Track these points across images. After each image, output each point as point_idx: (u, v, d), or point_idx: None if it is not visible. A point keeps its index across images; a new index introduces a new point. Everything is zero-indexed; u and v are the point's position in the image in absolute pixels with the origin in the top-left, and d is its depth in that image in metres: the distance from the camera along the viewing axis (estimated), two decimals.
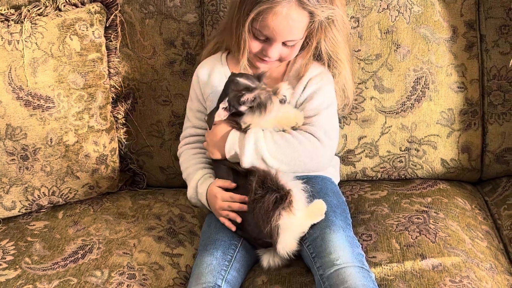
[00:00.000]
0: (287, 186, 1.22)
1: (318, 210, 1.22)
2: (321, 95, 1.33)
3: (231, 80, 1.27)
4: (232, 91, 1.25)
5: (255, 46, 1.30)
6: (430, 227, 1.30)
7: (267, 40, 1.29)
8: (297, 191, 1.23)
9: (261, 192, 1.20)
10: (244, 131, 1.27)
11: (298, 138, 1.27)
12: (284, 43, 1.29)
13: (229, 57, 1.42)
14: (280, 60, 1.34)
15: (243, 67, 1.35)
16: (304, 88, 1.33)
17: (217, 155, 1.29)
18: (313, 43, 1.33)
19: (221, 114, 1.26)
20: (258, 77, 1.28)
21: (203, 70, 1.42)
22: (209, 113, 1.29)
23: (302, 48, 1.36)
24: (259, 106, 1.24)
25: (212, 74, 1.40)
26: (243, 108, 1.26)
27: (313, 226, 1.22)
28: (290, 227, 1.20)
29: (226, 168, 1.29)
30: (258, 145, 1.25)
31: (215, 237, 1.24)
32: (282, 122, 1.29)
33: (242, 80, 1.25)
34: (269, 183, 1.21)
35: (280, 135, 1.27)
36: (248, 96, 1.24)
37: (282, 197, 1.19)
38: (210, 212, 1.35)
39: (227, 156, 1.27)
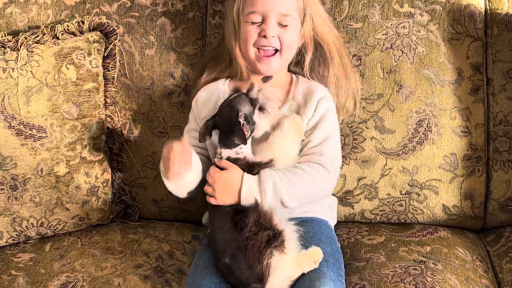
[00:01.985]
0: (280, 226, 1.19)
1: (313, 257, 1.18)
2: (329, 119, 1.33)
3: (232, 99, 1.24)
4: (240, 103, 1.22)
5: (252, 30, 1.32)
6: (427, 280, 1.24)
7: (262, 22, 1.31)
8: (290, 232, 1.19)
9: (255, 229, 1.17)
10: (256, 172, 1.23)
11: (309, 172, 1.25)
12: (279, 24, 1.31)
13: (231, 83, 1.41)
14: (279, 48, 1.33)
15: (244, 68, 1.37)
16: (315, 109, 1.32)
17: (228, 202, 1.23)
18: (306, 16, 1.35)
19: (246, 130, 1.21)
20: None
21: (202, 93, 1.42)
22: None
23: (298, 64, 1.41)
24: (261, 109, 1.24)
25: (211, 96, 1.40)
26: (257, 115, 1.23)
27: (302, 276, 1.17)
28: (281, 268, 1.16)
29: (226, 211, 1.23)
30: (277, 188, 1.22)
31: (201, 283, 1.19)
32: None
33: (239, 94, 1.24)
34: (262, 222, 1.18)
35: (292, 172, 1.24)
36: (253, 92, 1.23)
37: (274, 236, 1.16)
38: (202, 247, 1.32)
39: (243, 203, 1.22)
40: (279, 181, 1.22)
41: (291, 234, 1.19)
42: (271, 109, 1.24)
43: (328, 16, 1.42)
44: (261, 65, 1.34)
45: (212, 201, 1.23)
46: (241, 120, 1.20)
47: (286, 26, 1.33)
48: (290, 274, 1.18)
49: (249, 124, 1.22)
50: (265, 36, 1.32)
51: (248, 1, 1.32)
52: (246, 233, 1.17)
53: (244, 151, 1.24)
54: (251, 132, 1.24)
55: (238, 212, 1.21)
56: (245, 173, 1.22)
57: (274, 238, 1.16)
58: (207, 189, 1.25)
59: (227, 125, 1.22)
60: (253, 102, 1.23)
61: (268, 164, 1.24)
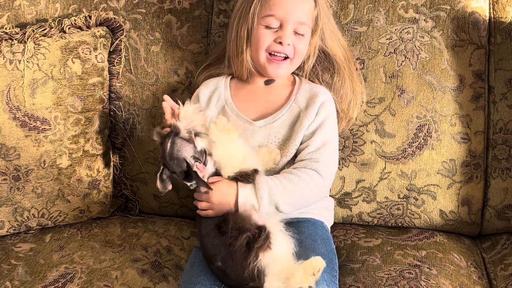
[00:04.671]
0: (260, 222, 1.15)
1: (314, 267, 1.11)
2: (329, 125, 1.34)
3: (171, 151, 1.18)
4: (181, 150, 1.18)
5: (267, 35, 1.31)
6: (421, 284, 1.25)
7: (279, 28, 1.30)
8: (274, 224, 1.16)
9: (235, 233, 1.14)
10: (249, 181, 1.22)
11: (304, 179, 1.26)
12: (295, 32, 1.31)
13: (232, 82, 1.42)
14: (291, 56, 1.33)
15: (245, 70, 1.36)
16: (316, 114, 1.33)
17: (222, 212, 1.22)
18: (318, 27, 1.35)
19: (202, 169, 1.19)
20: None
21: (205, 90, 1.42)
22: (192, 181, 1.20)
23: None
24: (197, 134, 1.21)
25: (212, 97, 1.40)
26: (199, 143, 1.20)
27: None
28: (274, 268, 1.12)
29: (214, 222, 1.21)
30: (272, 194, 1.22)
31: (196, 280, 1.20)
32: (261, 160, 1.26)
33: (172, 140, 1.18)
34: (240, 223, 1.15)
35: (287, 179, 1.25)
36: (181, 131, 1.18)
37: (254, 236, 1.12)
38: (196, 248, 1.32)
39: (241, 210, 1.20)
40: (274, 187, 1.22)
41: (276, 226, 1.15)
42: (201, 127, 1.22)
43: (337, 28, 1.42)
44: (271, 68, 1.34)
45: (209, 213, 1.22)
46: (195, 168, 1.17)
47: (301, 35, 1.32)
48: (285, 270, 1.12)
49: (200, 160, 1.19)
50: (280, 43, 1.31)
51: (267, 3, 1.30)
52: (228, 239, 1.14)
53: (209, 167, 1.22)
54: (206, 158, 1.21)
55: (220, 218, 1.19)
56: (240, 182, 1.22)
57: (255, 238, 1.12)
58: (202, 205, 1.23)
59: (184, 174, 1.18)
60: (189, 140, 1.19)
61: (255, 172, 1.22)
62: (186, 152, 1.17)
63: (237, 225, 1.14)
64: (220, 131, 1.21)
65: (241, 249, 1.12)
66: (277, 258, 1.13)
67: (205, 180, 1.21)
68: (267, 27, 1.31)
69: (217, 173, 1.23)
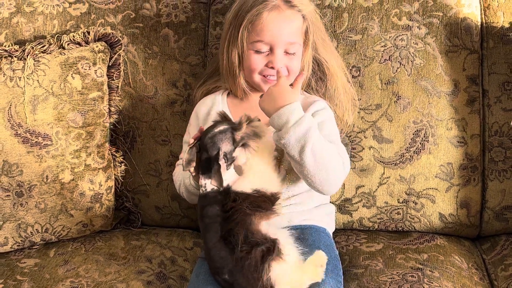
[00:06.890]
0: (272, 235, 1.16)
1: (318, 261, 1.17)
2: (328, 126, 1.32)
3: (217, 133, 1.20)
4: (223, 141, 1.19)
5: (258, 60, 1.31)
6: (424, 287, 1.27)
7: (269, 51, 1.30)
8: (284, 237, 1.18)
9: (246, 247, 1.14)
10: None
11: (334, 149, 1.22)
12: (285, 52, 1.31)
13: (229, 98, 1.43)
14: (286, 74, 1.32)
15: (241, 90, 1.37)
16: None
17: (266, 106, 1.20)
18: (309, 40, 1.35)
19: (223, 168, 1.18)
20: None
21: (202, 107, 1.43)
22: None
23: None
24: (245, 145, 1.20)
25: (210, 112, 1.41)
26: (238, 151, 1.20)
27: None
28: (284, 276, 1.14)
29: (214, 230, 1.19)
30: (309, 132, 1.16)
31: None
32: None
33: (225, 129, 1.20)
34: (251, 237, 1.15)
35: (324, 139, 1.22)
36: (239, 132, 1.19)
37: (268, 249, 1.14)
38: (201, 259, 1.33)
39: (274, 116, 1.18)
40: (315, 128, 1.18)
41: (286, 239, 1.17)
42: (255, 146, 1.21)
43: (327, 35, 1.44)
44: (267, 86, 1.33)
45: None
46: (221, 163, 1.17)
47: (292, 54, 1.32)
48: (297, 282, 1.15)
49: (227, 161, 1.18)
50: (272, 68, 1.31)
51: (254, 29, 1.29)
52: (239, 254, 1.14)
53: (227, 178, 1.19)
54: (230, 164, 1.20)
55: (225, 229, 1.17)
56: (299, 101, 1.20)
57: (269, 252, 1.13)
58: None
59: (207, 159, 1.19)
60: (234, 141, 1.19)
61: (277, 195, 1.22)
62: (225, 146, 1.18)
63: (248, 240, 1.14)
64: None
65: (256, 263, 1.12)
66: (289, 271, 1.15)
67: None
68: (257, 51, 1.31)
69: (228, 190, 1.20)
